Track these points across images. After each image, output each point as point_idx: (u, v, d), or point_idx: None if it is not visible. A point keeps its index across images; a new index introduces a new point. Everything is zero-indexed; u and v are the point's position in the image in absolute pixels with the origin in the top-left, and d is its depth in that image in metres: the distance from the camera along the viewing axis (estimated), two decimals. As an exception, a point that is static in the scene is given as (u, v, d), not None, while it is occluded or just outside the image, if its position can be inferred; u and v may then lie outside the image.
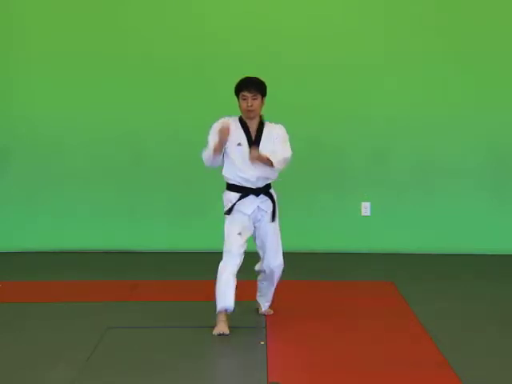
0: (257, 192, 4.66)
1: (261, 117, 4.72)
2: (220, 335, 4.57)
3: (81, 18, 7.01)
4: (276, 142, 4.65)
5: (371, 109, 7.01)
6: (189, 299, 5.40)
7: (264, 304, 5.01)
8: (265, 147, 4.60)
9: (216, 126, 4.63)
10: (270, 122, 4.74)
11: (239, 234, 4.62)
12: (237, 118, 4.71)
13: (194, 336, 4.60)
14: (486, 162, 7.06)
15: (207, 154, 4.65)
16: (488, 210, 7.06)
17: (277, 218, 4.76)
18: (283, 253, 4.83)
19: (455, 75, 6.99)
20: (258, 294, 5.02)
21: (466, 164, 7.06)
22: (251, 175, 4.62)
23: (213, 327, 4.64)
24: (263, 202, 4.69)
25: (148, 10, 7.02)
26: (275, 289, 4.95)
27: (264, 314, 4.98)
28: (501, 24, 6.95)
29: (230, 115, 4.75)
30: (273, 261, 4.77)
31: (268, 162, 4.54)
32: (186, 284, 5.93)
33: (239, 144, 4.63)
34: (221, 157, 4.64)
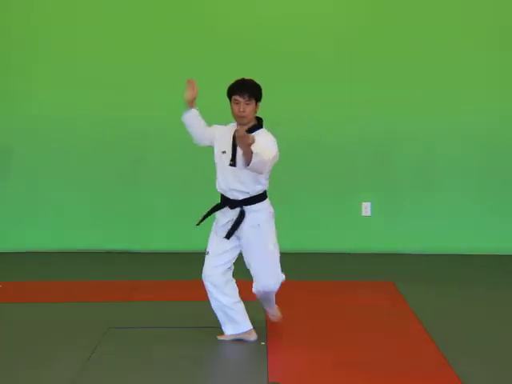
0: (233, 204, 4.35)
1: (259, 121, 4.38)
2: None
3: (80, 18, 7.02)
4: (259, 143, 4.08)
5: (372, 109, 7.00)
6: (189, 299, 5.40)
7: (269, 311, 4.76)
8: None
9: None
10: (267, 129, 4.37)
11: (207, 252, 4.48)
12: (234, 125, 4.40)
13: (194, 336, 4.60)
14: (486, 162, 7.05)
15: (185, 115, 4.44)
16: (488, 209, 7.06)
17: (269, 230, 4.38)
18: (282, 253, 4.52)
19: (456, 75, 6.98)
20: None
21: (466, 164, 7.06)
22: (225, 184, 4.34)
23: (213, 327, 4.63)
24: (236, 215, 4.36)
25: (148, 13, 7.03)
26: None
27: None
28: (501, 23, 6.96)
29: (225, 120, 4.56)
30: (264, 282, 4.39)
31: (248, 148, 3.95)
32: (186, 284, 5.92)
33: (223, 152, 4.33)
34: (196, 117, 4.43)
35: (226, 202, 4.37)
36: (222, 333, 4.56)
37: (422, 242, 7.09)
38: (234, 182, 4.31)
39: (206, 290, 4.50)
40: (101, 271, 6.45)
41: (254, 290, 4.46)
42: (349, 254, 7.02)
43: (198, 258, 6.79)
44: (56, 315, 5.06)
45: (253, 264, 4.39)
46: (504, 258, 6.95)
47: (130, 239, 7.14)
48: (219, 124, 4.55)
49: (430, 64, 6.96)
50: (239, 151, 4.17)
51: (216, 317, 4.53)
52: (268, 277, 4.39)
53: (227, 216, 4.38)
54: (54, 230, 7.13)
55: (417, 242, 7.09)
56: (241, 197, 4.33)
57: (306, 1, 7.05)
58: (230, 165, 4.30)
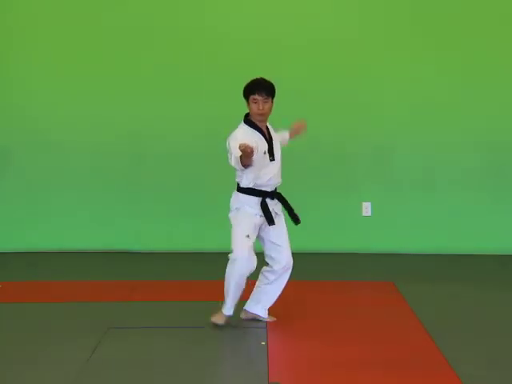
0: (271, 195, 4.66)
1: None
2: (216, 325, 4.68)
3: (80, 19, 7.01)
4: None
5: (372, 109, 7.00)
6: (189, 299, 5.40)
7: (261, 310, 4.81)
8: (277, 149, 4.72)
9: (240, 140, 4.42)
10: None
11: (247, 236, 4.56)
12: (245, 125, 4.64)
13: (194, 336, 4.60)
14: (486, 161, 7.05)
15: (238, 167, 4.50)
16: (488, 209, 7.06)
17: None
18: None
19: (456, 75, 6.98)
20: (251, 302, 4.81)
21: (467, 164, 7.05)
22: (269, 179, 4.62)
23: (213, 327, 4.65)
24: (276, 204, 4.71)
25: (147, 11, 7.02)
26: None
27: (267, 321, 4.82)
28: (501, 25, 6.96)
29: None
30: (289, 255, 4.74)
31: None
32: (186, 284, 5.93)
33: (265, 152, 4.60)
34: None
35: (272, 194, 4.67)
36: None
37: (422, 242, 7.08)
38: (276, 175, 4.69)
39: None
40: (101, 271, 6.45)
41: (277, 267, 4.71)
42: (349, 253, 7.01)
43: (197, 258, 6.85)
44: (56, 315, 5.06)
45: (281, 242, 4.72)
46: (504, 257, 6.94)
47: (130, 239, 7.14)
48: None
49: (430, 64, 6.96)
50: (275, 149, 4.69)
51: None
52: (290, 252, 4.76)
53: (270, 205, 4.66)
54: (54, 230, 7.13)
55: (417, 242, 7.08)
56: (277, 187, 4.75)
57: (306, 7, 7.05)
58: (271, 160, 4.64)
